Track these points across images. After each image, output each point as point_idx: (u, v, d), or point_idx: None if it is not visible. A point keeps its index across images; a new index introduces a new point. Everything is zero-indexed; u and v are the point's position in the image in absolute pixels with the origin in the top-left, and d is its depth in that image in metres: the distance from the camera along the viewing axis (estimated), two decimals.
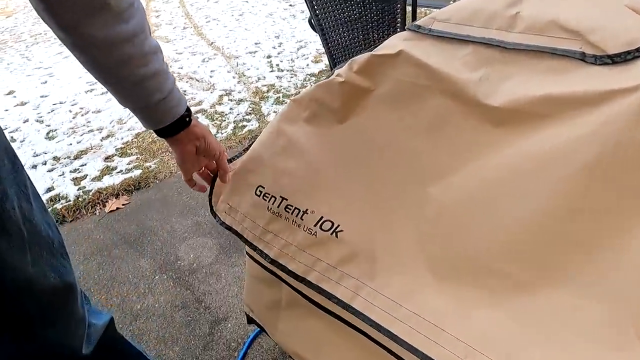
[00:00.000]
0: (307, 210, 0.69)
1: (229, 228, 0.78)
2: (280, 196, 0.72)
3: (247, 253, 0.90)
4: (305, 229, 0.68)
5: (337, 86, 0.72)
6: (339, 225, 0.65)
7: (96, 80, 0.57)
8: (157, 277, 1.45)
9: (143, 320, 1.30)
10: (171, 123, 0.62)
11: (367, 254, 0.63)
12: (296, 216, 0.69)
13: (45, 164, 2.10)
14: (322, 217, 0.67)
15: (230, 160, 0.83)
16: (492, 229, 0.55)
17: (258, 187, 0.76)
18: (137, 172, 2.00)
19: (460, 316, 0.54)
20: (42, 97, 2.90)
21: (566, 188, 0.50)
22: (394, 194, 0.64)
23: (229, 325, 1.26)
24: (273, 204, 0.72)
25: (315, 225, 0.67)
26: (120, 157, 2.15)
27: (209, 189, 0.82)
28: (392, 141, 0.67)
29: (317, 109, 0.75)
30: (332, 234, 0.65)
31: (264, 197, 0.74)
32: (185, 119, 0.64)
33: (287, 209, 0.70)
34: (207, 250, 1.54)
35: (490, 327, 0.52)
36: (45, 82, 3.16)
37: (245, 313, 1.02)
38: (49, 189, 1.91)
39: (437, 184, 0.60)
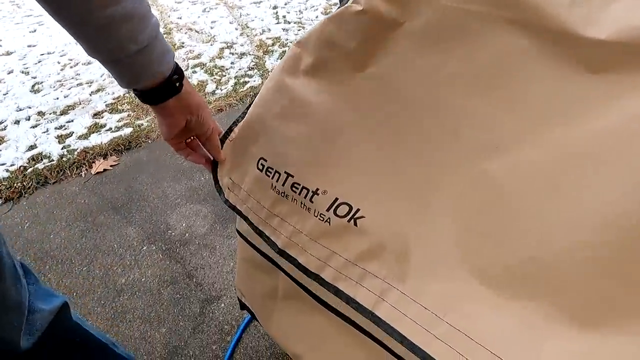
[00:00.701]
0: (317, 190, 0.52)
1: (233, 208, 0.63)
2: (285, 172, 0.55)
3: (237, 230, 0.74)
4: (316, 214, 0.52)
5: (353, 18, 0.52)
6: (358, 210, 0.49)
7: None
8: (144, 248, 1.31)
9: (127, 296, 1.17)
10: (156, 87, 0.49)
11: (396, 249, 0.47)
12: (305, 197, 0.53)
13: (28, 119, 1.93)
14: (336, 200, 0.50)
15: (235, 123, 0.65)
16: (579, 226, 0.37)
17: (260, 159, 0.59)
18: (128, 131, 1.83)
19: (527, 345, 0.38)
20: (29, 46, 2.69)
21: None
22: (432, 170, 0.46)
23: (222, 305, 1.12)
24: (277, 181, 0.56)
25: (328, 210, 0.51)
26: (110, 113, 1.96)
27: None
28: (430, 96, 0.48)
29: (327, 52, 0.55)
30: (349, 221, 0.49)
31: (267, 173, 0.58)
32: (174, 84, 0.50)
33: (293, 188, 0.54)
34: (201, 219, 1.39)
35: None
36: (34, 30, 2.94)
37: (238, 297, 0.88)
38: (31, 147, 1.75)
39: (497, 158, 0.42)
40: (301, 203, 0.53)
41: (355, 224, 0.49)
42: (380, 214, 0.48)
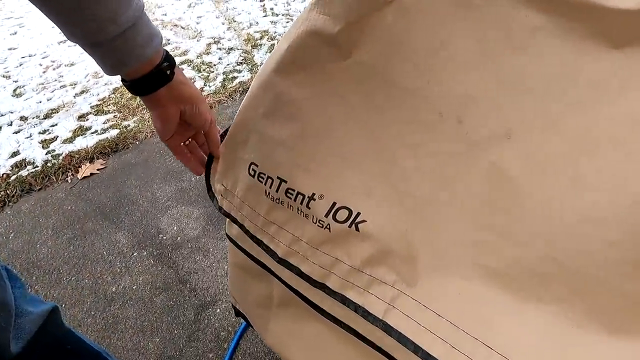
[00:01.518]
0: (313, 195, 0.48)
1: (228, 215, 0.60)
2: (278, 177, 0.51)
3: (227, 235, 0.69)
4: (314, 221, 0.48)
5: (336, 1, 0.46)
6: (359, 214, 0.45)
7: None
8: (135, 254, 1.26)
9: (118, 305, 1.12)
10: (145, 75, 0.45)
11: (402, 251, 0.43)
12: (301, 203, 0.49)
13: (11, 124, 1.87)
14: (334, 204, 0.46)
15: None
16: (604, 223, 0.33)
17: (250, 164, 0.55)
18: (114, 133, 1.77)
19: (551, 353, 0.34)
20: (10, 49, 2.61)
21: None
22: (435, 164, 0.42)
23: (218, 310, 1.08)
24: (270, 187, 0.52)
25: (326, 216, 0.47)
26: (95, 115, 1.90)
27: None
28: (427, 81, 0.43)
29: (311, 42, 0.50)
30: (350, 226, 0.45)
31: (259, 178, 0.53)
32: (164, 72, 0.46)
33: (288, 194, 0.50)
34: (193, 221, 1.34)
35: None
36: (15, 33, 2.85)
37: (232, 304, 0.84)
38: (14, 153, 1.69)
39: (509, 148, 0.37)
40: (298, 209, 0.49)
41: (357, 229, 0.45)
42: (382, 216, 0.44)
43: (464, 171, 0.39)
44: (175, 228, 1.33)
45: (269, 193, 0.53)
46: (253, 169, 0.55)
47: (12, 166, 1.62)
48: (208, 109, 0.55)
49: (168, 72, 0.47)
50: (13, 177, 1.56)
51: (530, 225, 0.35)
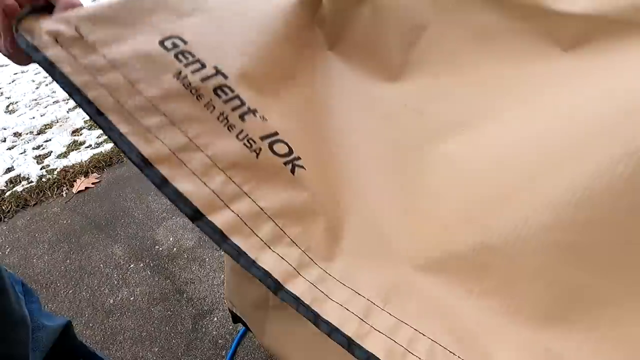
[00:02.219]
0: (255, 110, 0.37)
1: (51, 65, 0.33)
2: (215, 67, 0.37)
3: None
4: (241, 137, 0.35)
5: None
6: (299, 158, 0.37)
7: None
8: (132, 266, 1.27)
9: (116, 317, 1.13)
10: None
11: (329, 219, 0.38)
12: (232, 110, 0.36)
13: (4, 141, 1.88)
14: (276, 133, 0.37)
15: None
16: (540, 208, 0.34)
17: (172, 37, 0.37)
18: (109, 146, 1.78)
19: (483, 343, 0.34)
20: (1, 66, 2.62)
21: None
22: (388, 148, 0.44)
23: (215, 318, 1.09)
24: (193, 72, 0.36)
25: (262, 140, 0.36)
26: (89, 129, 1.92)
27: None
28: (397, 75, 0.47)
29: (308, 11, 0.53)
30: (287, 164, 0.37)
31: (178, 56, 0.36)
32: None
33: (218, 92, 0.36)
34: (189, 232, 1.36)
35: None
36: None
37: (229, 309, 0.86)
38: (9, 169, 1.70)
39: (460, 138, 0.40)
40: (221, 114, 0.35)
41: (292, 172, 0.37)
42: (323, 176, 0.40)
43: (415, 158, 0.41)
44: (171, 239, 1.35)
45: (183, 75, 0.35)
46: (174, 43, 0.37)
47: (6, 182, 1.63)
48: None
49: None
50: (8, 193, 1.57)
51: (463, 212, 0.37)
